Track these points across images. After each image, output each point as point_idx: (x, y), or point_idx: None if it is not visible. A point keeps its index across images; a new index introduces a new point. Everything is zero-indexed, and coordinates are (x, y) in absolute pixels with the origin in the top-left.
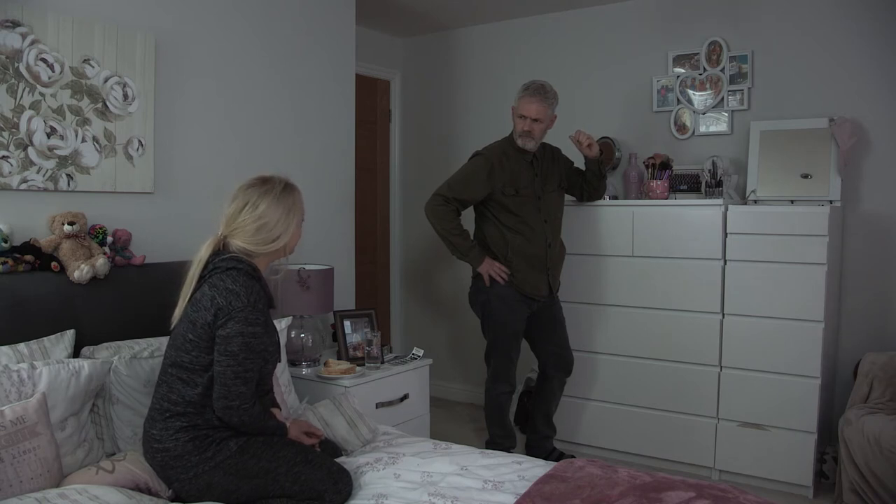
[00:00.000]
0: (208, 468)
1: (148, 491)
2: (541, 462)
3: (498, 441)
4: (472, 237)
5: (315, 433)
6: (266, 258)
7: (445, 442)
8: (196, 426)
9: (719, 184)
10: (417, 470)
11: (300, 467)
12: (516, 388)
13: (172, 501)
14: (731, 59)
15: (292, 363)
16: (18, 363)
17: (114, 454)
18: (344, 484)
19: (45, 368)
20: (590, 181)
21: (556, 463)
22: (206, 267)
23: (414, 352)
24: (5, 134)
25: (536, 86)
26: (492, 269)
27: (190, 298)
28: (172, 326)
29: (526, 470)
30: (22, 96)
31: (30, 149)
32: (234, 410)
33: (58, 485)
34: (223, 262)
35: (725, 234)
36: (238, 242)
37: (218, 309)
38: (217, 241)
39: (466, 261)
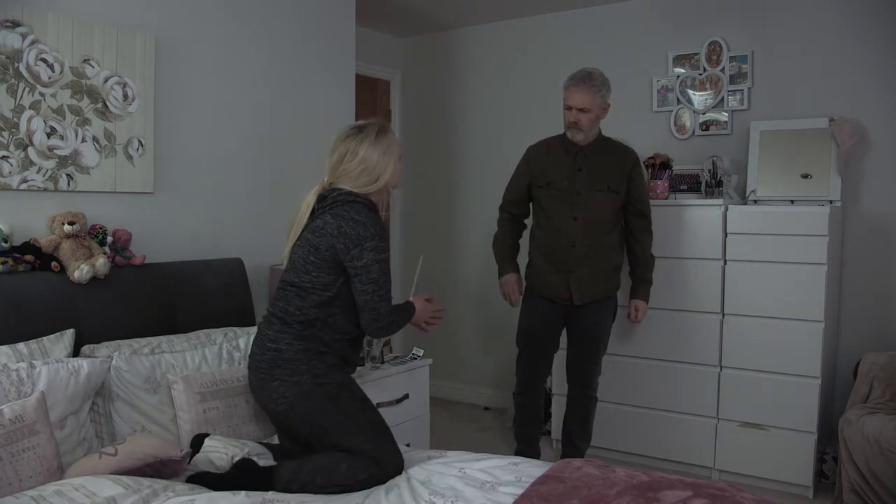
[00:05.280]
0: (309, 379)
1: (156, 462)
2: (538, 462)
3: (517, 433)
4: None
5: (433, 298)
6: (373, 197)
7: (439, 451)
8: (311, 341)
9: (719, 184)
10: (415, 480)
11: (379, 429)
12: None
13: (186, 460)
14: (731, 59)
15: None
16: (18, 362)
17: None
18: (400, 459)
19: (45, 367)
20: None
21: (553, 463)
22: (323, 201)
23: (414, 352)
24: (5, 134)
25: (582, 74)
26: (505, 287)
27: (306, 228)
28: (288, 253)
29: (523, 471)
30: (22, 96)
31: (30, 149)
32: (388, 326)
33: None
34: (342, 196)
35: (725, 234)
36: (345, 187)
37: (346, 237)
38: (323, 187)
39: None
